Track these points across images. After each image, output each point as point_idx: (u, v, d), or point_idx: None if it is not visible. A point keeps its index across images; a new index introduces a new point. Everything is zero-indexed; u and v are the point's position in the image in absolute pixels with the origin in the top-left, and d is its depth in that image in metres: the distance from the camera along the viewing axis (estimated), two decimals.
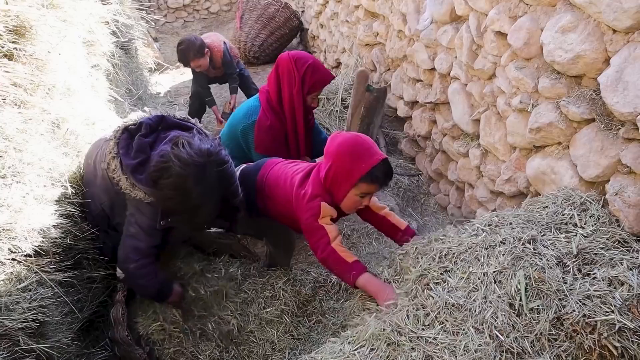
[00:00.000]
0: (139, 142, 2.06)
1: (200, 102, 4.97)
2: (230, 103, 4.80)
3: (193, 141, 1.95)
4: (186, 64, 4.52)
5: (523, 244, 1.77)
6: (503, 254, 1.75)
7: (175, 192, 1.93)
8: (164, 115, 2.19)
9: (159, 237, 2.18)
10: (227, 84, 4.94)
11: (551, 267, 1.68)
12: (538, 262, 1.69)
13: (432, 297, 1.71)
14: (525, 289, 1.63)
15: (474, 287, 1.69)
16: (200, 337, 2.35)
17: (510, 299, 1.62)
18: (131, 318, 2.30)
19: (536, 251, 1.74)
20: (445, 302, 1.67)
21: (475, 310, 1.62)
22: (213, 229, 2.75)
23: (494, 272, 1.71)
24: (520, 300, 1.61)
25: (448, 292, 1.71)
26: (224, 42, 4.71)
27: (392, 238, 2.34)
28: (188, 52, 4.35)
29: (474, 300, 1.65)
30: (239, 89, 4.94)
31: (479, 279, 1.71)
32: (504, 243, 1.80)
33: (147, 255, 2.16)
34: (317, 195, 2.14)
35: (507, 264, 1.71)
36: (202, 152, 1.91)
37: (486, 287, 1.67)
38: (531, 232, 1.81)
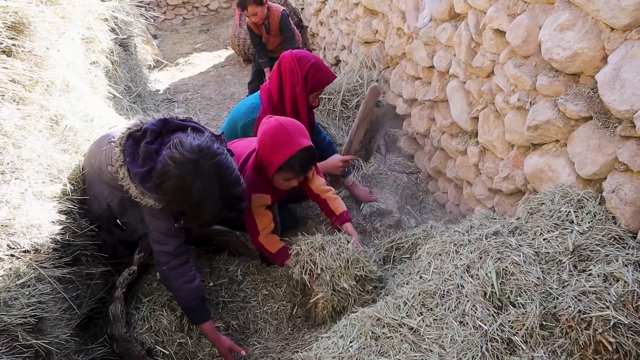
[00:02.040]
0: (145, 149, 2.05)
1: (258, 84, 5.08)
2: None
3: (185, 140, 1.97)
4: (244, 8, 4.58)
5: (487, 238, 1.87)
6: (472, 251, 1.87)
7: (175, 192, 1.95)
8: (167, 119, 2.18)
9: (183, 236, 2.19)
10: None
11: (525, 261, 1.72)
12: (508, 255, 1.77)
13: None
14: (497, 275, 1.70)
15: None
16: (200, 334, 2.37)
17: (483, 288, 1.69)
18: (130, 315, 2.31)
19: (504, 245, 1.83)
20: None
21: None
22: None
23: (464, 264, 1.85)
24: (493, 287, 1.66)
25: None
26: (284, 10, 4.90)
27: (330, 221, 2.73)
28: None
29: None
30: None
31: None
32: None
33: (177, 255, 2.19)
34: (250, 184, 2.40)
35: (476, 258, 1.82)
36: (193, 149, 1.93)
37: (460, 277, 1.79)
38: (495, 227, 1.86)
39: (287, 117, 2.43)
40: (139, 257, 2.37)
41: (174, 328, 2.31)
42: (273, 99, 2.97)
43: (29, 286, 1.76)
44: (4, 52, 1.95)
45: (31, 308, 1.70)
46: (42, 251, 1.88)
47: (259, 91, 3.10)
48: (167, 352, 2.24)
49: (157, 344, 2.25)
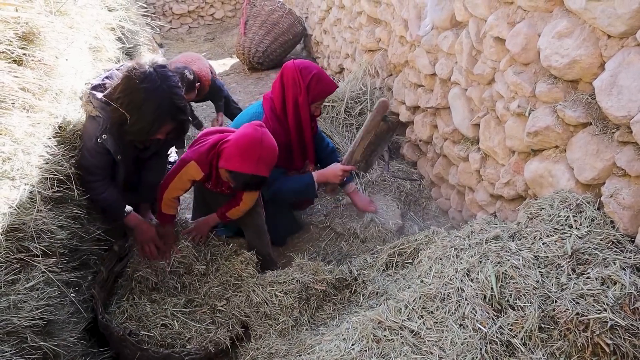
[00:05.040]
0: (109, 72, 2.39)
1: None
2: (217, 120, 4.72)
3: (144, 56, 2.35)
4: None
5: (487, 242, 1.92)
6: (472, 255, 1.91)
7: (124, 93, 2.23)
8: None
9: (103, 161, 2.36)
10: (207, 102, 4.86)
11: (525, 265, 1.76)
12: (508, 259, 1.81)
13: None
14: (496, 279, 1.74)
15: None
16: (185, 318, 2.45)
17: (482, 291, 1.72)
18: (112, 300, 2.45)
19: (504, 249, 1.87)
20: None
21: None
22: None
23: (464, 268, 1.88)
24: (492, 291, 1.68)
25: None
26: (210, 69, 4.46)
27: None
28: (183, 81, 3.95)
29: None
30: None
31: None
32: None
33: (92, 173, 2.36)
34: (199, 153, 2.57)
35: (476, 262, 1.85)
36: (147, 60, 2.29)
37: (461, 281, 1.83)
38: (495, 231, 1.90)
39: (272, 142, 2.52)
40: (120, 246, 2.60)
41: (156, 313, 2.43)
42: (275, 108, 3.01)
43: (37, 289, 1.80)
44: (15, 61, 2.01)
45: (40, 311, 1.74)
46: (51, 255, 1.92)
47: (261, 100, 3.14)
48: (152, 335, 2.30)
49: (141, 329, 2.33)
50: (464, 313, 1.72)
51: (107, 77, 2.36)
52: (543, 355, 1.54)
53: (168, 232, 2.70)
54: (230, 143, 2.49)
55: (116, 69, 2.38)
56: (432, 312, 1.79)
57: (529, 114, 2.33)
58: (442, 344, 1.66)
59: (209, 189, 2.80)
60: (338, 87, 3.25)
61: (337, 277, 2.61)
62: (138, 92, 2.21)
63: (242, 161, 2.42)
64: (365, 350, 1.73)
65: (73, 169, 2.21)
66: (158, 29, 5.76)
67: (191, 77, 3.96)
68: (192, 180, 2.65)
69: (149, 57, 2.31)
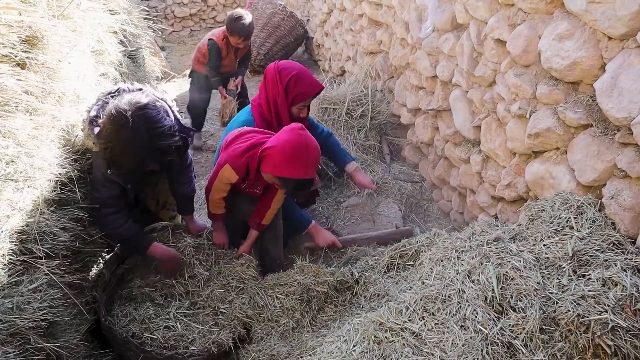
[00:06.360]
0: (104, 99, 2.28)
1: (197, 111, 5.13)
2: (234, 81, 4.85)
3: (126, 95, 2.19)
4: (248, 37, 4.55)
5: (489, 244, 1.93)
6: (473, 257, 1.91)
7: (106, 139, 2.15)
8: (142, 88, 2.38)
9: (115, 189, 2.33)
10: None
11: (526, 266, 1.77)
12: (509, 260, 1.82)
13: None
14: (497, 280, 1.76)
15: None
16: (189, 320, 2.47)
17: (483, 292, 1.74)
18: (114, 303, 2.48)
19: (505, 250, 1.88)
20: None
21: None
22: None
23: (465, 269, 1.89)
24: (493, 292, 1.68)
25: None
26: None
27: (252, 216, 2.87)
28: (253, 25, 4.49)
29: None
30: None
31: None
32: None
33: (109, 205, 2.34)
34: (234, 156, 2.55)
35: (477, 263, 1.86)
36: (125, 101, 2.14)
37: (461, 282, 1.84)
38: (496, 233, 1.90)
39: (315, 143, 2.49)
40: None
41: (159, 316, 2.44)
42: (264, 113, 2.92)
43: (40, 291, 1.81)
44: (18, 64, 2.02)
45: (43, 312, 1.75)
46: (54, 257, 1.93)
47: (249, 107, 3.07)
48: (155, 337, 2.30)
49: (144, 331, 2.34)
50: (465, 314, 1.72)
51: (102, 106, 2.26)
52: (544, 356, 1.54)
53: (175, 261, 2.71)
54: (276, 150, 2.45)
55: (111, 96, 2.29)
56: (433, 313, 1.79)
57: (530, 115, 2.33)
58: (443, 345, 1.67)
59: (242, 189, 2.77)
60: (324, 87, 3.09)
61: (338, 279, 2.62)
62: (117, 140, 2.13)
63: (291, 169, 2.43)
64: (367, 352, 1.73)
65: (76, 171, 2.22)
66: (160, 32, 5.75)
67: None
68: (229, 184, 2.65)
69: (128, 97, 2.15)
